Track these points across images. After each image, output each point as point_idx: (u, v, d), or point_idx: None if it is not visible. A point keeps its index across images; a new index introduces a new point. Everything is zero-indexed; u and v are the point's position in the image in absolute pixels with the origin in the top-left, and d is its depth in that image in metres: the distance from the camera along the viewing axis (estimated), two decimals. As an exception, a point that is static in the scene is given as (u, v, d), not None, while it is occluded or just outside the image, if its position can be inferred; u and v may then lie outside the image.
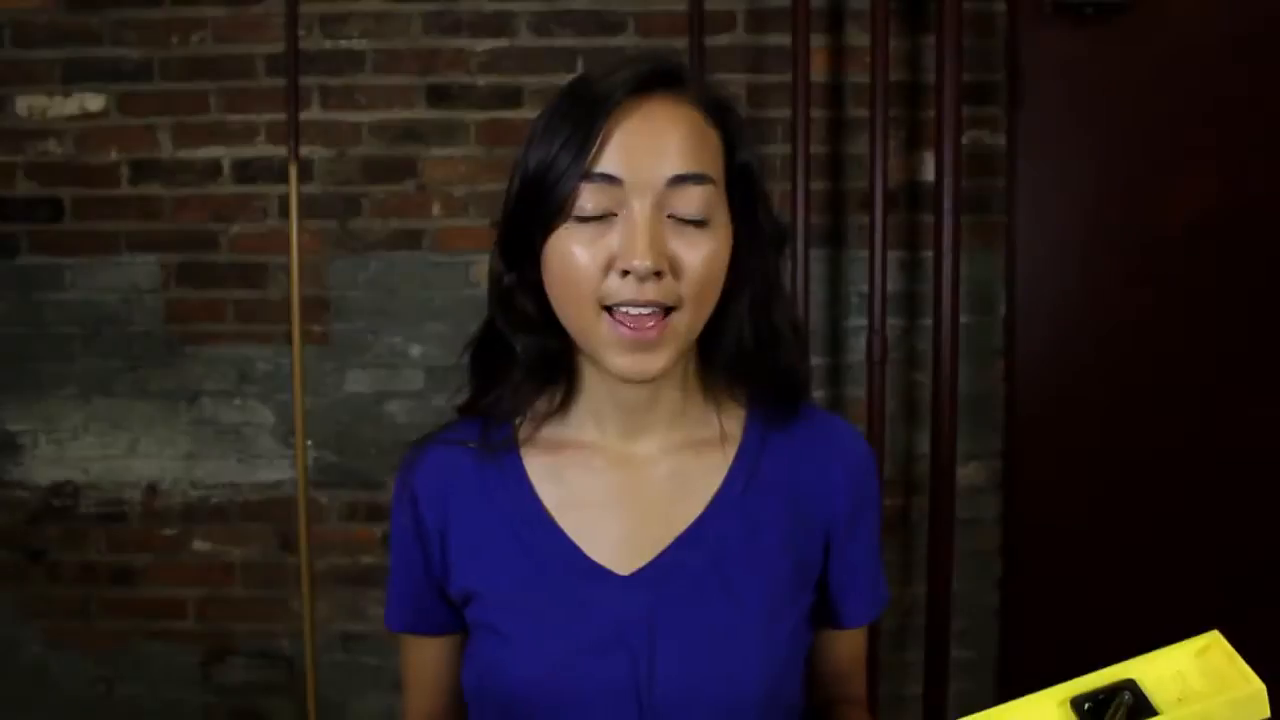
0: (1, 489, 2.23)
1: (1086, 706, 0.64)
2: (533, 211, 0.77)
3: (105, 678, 2.25)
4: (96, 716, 2.25)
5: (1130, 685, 0.64)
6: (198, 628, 2.23)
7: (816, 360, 2.15)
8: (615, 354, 0.76)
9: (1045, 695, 0.65)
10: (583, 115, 0.75)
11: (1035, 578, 2.18)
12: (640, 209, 0.74)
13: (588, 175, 0.74)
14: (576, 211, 0.75)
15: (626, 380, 0.78)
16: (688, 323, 0.77)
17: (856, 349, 2.14)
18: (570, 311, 0.78)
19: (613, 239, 0.75)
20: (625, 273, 0.74)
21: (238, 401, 2.20)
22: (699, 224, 0.76)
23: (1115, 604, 2.15)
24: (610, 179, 0.74)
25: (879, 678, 2.15)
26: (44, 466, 2.23)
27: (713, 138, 0.79)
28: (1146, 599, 2.14)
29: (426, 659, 0.91)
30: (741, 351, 0.84)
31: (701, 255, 0.76)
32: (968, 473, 2.16)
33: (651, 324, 0.75)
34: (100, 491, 2.22)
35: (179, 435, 2.20)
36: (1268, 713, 0.61)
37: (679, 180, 0.75)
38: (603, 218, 0.75)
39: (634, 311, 0.75)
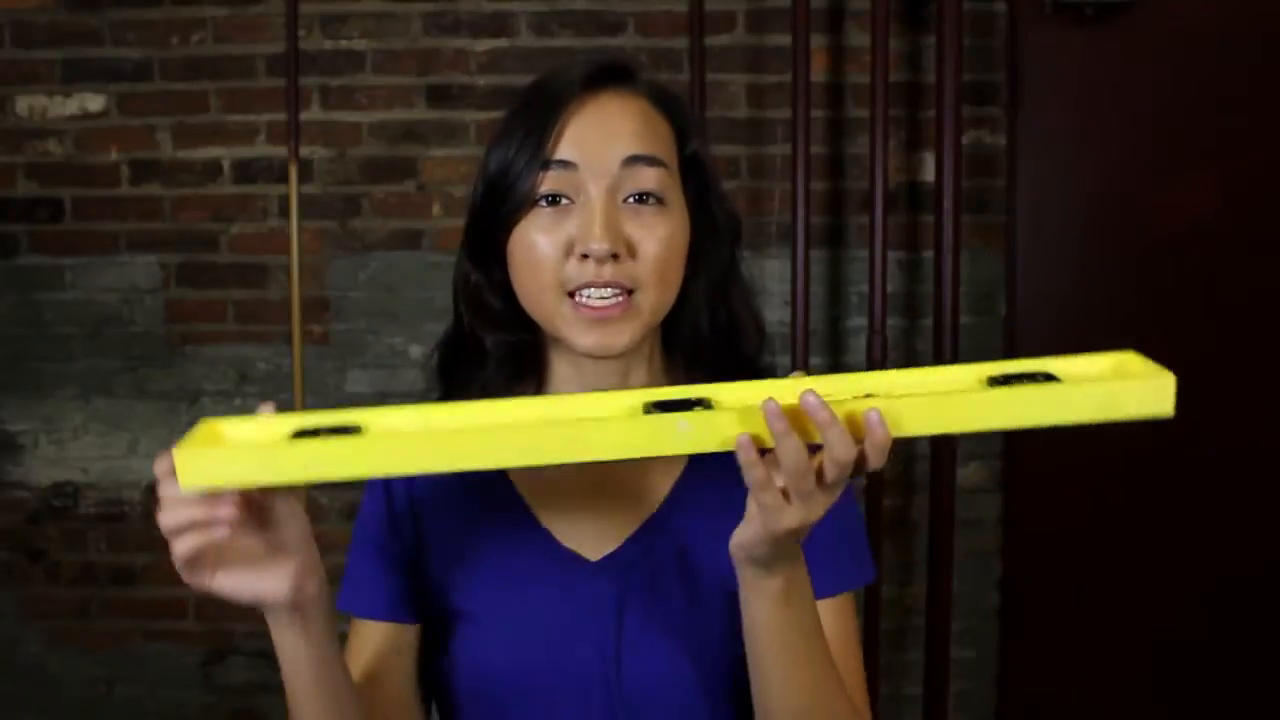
0: (1, 489, 2.23)
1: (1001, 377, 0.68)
2: (496, 209, 0.81)
3: (105, 678, 2.25)
4: (96, 716, 2.25)
5: (1046, 375, 0.68)
6: (198, 628, 2.23)
7: (816, 360, 2.15)
8: (580, 333, 0.78)
9: (965, 369, 0.69)
10: (538, 112, 0.79)
11: (1035, 578, 2.18)
12: (596, 193, 0.77)
13: (545, 164, 0.78)
14: (535, 198, 0.78)
15: (593, 357, 0.80)
16: (650, 302, 0.79)
17: (856, 349, 2.14)
18: (535, 299, 0.80)
19: (570, 225, 0.78)
20: (584, 256, 0.76)
21: (238, 401, 2.20)
22: (656, 203, 0.79)
23: (1115, 604, 2.16)
24: (566, 164, 0.78)
25: (879, 678, 2.15)
26: (44, 466, 2.23)
27: (663, 127, 0.82)
28: (1146, 599, 2.14)
29: (377, 648, 0.86)
30: (699, 340, 0.87)
31: (658, 236, 0.79)
32: (968, 473, 2.16)
33: (613, 303, 0.78)
34: (100, 491, 2.22)
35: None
36: (1170, 407, 0.65)
37: (632, 161, 0.78)
38: (560, 204, 0.78)
39: (595, 297, 0.77)
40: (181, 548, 0.65)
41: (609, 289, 0.77)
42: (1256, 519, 2.13)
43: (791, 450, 0.62)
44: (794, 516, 0.65)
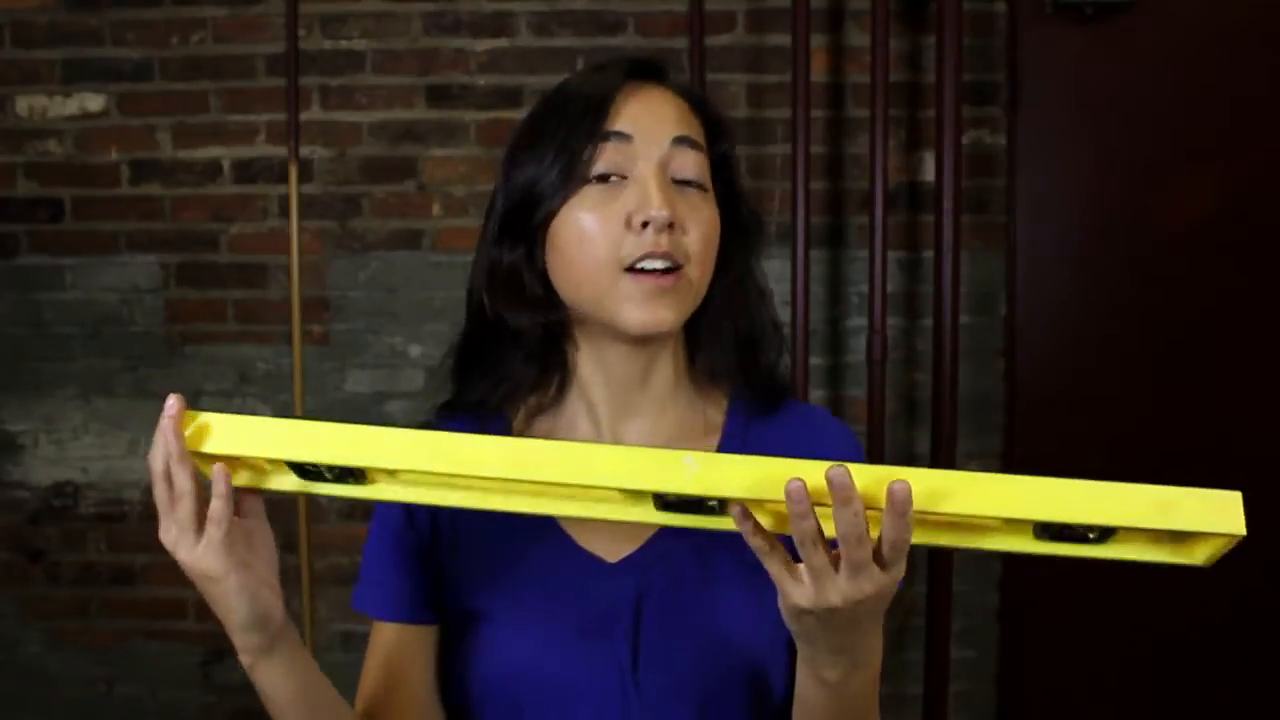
0: (1, 489, 2.23)
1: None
2: (548, 191, 0.81)
3: (105, 678, 2.25)
4: (96, 716, 2.25)
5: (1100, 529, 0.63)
6: (198, 628, 2.23)
7: (816, 360, 2.15)
8: (633, 308, 0.78)
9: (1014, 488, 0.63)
10: (588, 96, 0.81)
11: (1035, 578, 2.18)
12: (647, 166, 0.79)
13: (605, 135, 0.80)
14: (593, 172, 0.80)
15: (642, 334, 0.80)
16: (695, 278, 0.81)
17: (856, 349, 2.14)
18: (587, 276, 0.80)
19: (627, 198, 0.79)
20: (644, 225, 0.78)
21: (238, 401, 2.20)
22: (698, 188, 0.82)
23: (1115, 604, 2.15)
24: (621, 136, 0.80)
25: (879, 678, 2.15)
26: (44, 466, 2.23)
27: (697, 123, 0.85)
28: (1146, 599, 2.14)
29: (394, 649, 0.86)
30: (720, 341, 0.87)
31: (702, 218, 0.81)
32: (968, 473, 2.16)
33: (667, 269, 0.79)
34: (100, 491, 2.22)
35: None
36: (1242, 525, 0.59)
37: (680, 141, 0.81)
38: (611, 181, 0.80)
39: (650, 266, 0.78)
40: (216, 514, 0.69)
41: (664, 260, 0.78)
42: (1257, 520, 2.12)
43: (806, 529, 0.61)
44: (839, 591, 0.63)
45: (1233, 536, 0.61)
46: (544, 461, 0.66)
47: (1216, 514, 0.60)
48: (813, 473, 0.61)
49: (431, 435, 0.69)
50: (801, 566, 0.64)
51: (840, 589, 0.63)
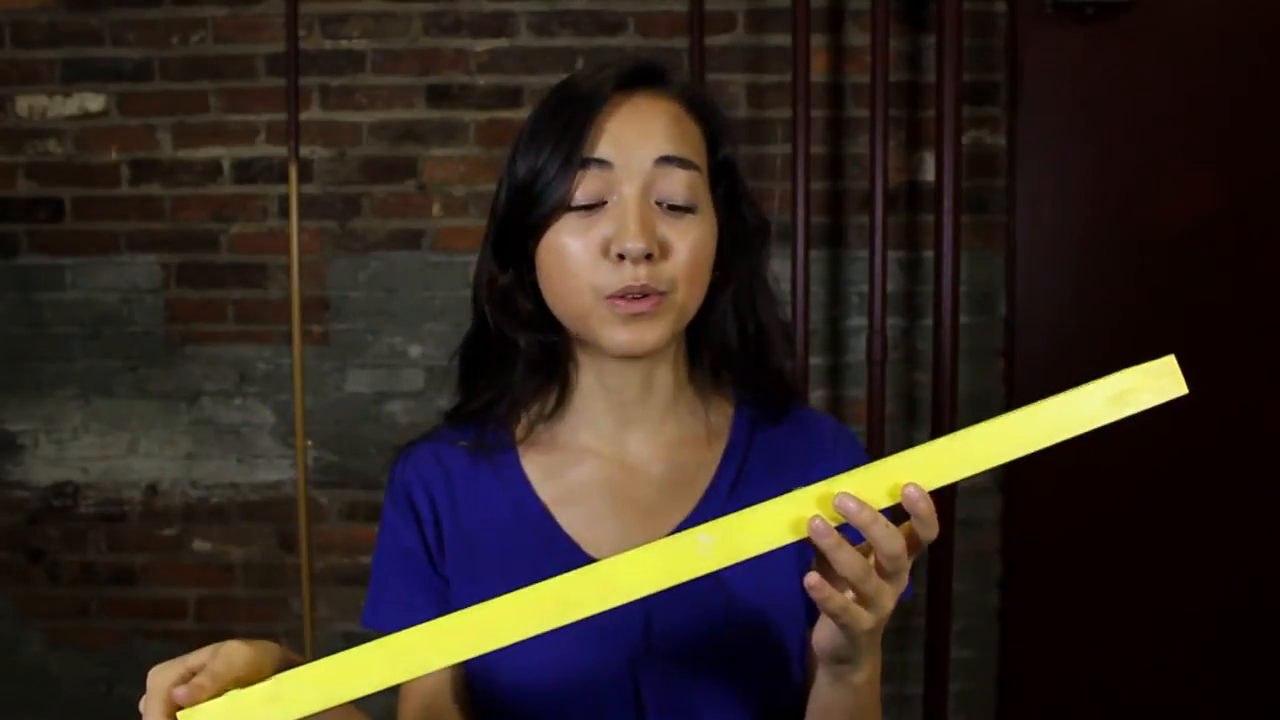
0: (1, 489, 2.23)
1: None
2: (527, 211, 0.79)
3: (105, 678, 2.25)
4: (96, 716, 2.25)
5: None
6: (198, 628, 2.23)
7: (816, 360, 2.15)
8: (613, 330, 0.77)
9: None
10: (572, 113, 0.78)
11: (1035, 578, 2.18)
12: (630, 193, 0.77)
13: (584, 163, 0.77)
14: (571, 201, 0.77)
15: (625, 355, 0.79)
16: (681, 301, 0.79)
17: (856, 349, 2.14)
18: (568, 301, 0.79)
19: (605, 226, 0.77)
20: (620, 257, 0.76)
21: (238, 401, 2.20)
22: (687, 210, 0.78)
23: (1115, 604, 2.16)
24: (601, 163, 0.77)
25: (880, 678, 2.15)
26: (44, 466, 2.23)
27: (694, 131, 0.81)
28: (1146, 599, 2.14)
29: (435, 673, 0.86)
30: (727, 347, 0.86)
31: (690, 240, 0.78)
32: (968, 473, 2.16)
33: (646, 299, 0.77)
34: (100, 491, 2.22)
35: (179, 435, 2.20)
36: (1182, 384, 0.69)
37: (665, 161, 0.77)
38: (593, 207, 0.77)
39: (629, 295, 0.77)
40: None
41: (642, 291, 0.76)
42: (1257, 518, 2.13)
43: (847, 561, 0.62)
44: (869, 617, 0.65)
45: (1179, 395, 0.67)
46: (566, 604, 0.66)
47: (1160, 381, 0.70)
48: (811, 502, 0.63)
49: (448, 627, 0.66)
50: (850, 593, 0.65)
51: (890, 593, 0.65)
